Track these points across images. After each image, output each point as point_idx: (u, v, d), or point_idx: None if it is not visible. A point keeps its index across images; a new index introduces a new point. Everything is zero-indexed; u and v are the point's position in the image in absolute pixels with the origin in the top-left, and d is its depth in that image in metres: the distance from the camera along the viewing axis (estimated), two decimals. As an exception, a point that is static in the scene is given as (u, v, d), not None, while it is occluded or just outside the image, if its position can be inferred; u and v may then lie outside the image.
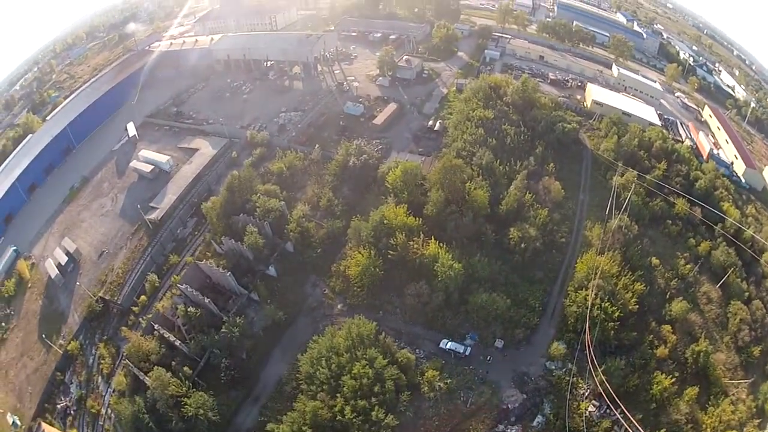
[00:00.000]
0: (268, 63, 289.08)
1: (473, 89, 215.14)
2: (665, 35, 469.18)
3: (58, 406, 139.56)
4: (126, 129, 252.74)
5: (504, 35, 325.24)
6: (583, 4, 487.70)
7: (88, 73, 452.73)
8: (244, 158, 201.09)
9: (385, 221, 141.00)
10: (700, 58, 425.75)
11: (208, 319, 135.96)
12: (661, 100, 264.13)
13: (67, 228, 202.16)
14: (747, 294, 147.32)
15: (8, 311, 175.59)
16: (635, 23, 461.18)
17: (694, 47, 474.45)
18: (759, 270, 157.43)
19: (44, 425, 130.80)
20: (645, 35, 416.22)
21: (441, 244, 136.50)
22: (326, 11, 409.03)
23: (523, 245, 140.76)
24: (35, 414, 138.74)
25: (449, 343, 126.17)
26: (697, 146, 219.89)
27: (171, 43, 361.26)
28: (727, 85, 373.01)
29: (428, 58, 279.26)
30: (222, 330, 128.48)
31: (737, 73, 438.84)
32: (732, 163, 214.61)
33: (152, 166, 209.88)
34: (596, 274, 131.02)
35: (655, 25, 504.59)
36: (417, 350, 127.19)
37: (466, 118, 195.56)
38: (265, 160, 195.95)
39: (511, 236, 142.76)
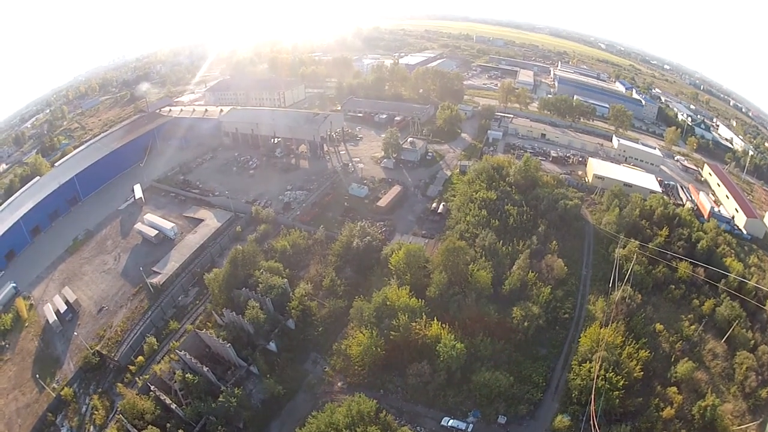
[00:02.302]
0: (276, 140, 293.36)
1: (476, 171, 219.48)
2: (663, 99, 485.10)
3: None
4: (133, 190, 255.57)
5: (506, 115, 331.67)
6: (583, 77, 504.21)
7: (99, 127, 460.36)
8: (248, 233, 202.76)
9: (387, 302, 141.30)
10: (698, 116, 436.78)
11: (205, 386, 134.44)
12: (661, 166, 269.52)
13: (68, 278, 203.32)
14: (752, 342, 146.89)
15: (3, 343, 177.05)
16: (634, 91, 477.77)
17: (692, 106, 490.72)
18: (764, 316, 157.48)
19: None
20: (644, 102, 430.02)
21: (443, 325, 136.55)
22: (333, 90, 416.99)
23: (526, 324, 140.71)
24: None
25: (451, 421, 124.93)
26: (698, 207, 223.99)
27: (181, 110, 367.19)
28: (725, 139, 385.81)
29: (432, 139, 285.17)
30: (220, 399, 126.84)
31: (734, 123, 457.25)
32: (733, 217, 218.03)
33: (157, 231, 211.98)
34: (600, 346, 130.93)
35: (653, 90, 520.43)
36: (418, 428, 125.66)
37: (469, 200, 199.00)
38: (269, 237, 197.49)
39: (514, 315, 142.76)
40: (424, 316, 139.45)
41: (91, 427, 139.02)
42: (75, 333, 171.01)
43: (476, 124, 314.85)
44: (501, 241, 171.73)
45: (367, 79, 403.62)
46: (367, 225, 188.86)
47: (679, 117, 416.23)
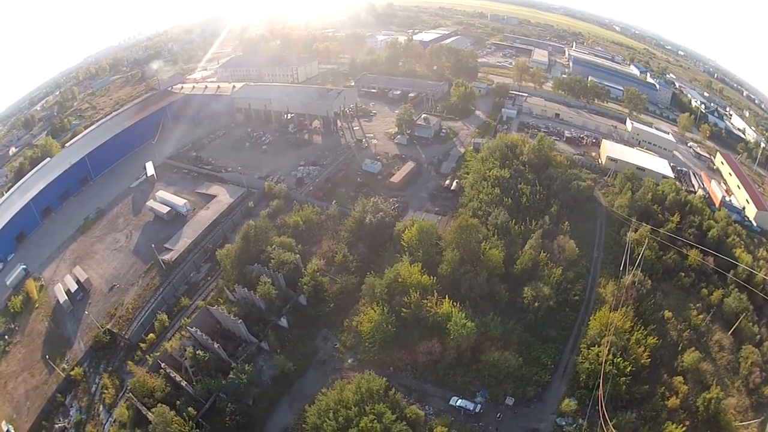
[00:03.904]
0: (289, 115, 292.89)
1: (490, 149, 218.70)
2: (677, 84, 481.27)
3: (56, 426, 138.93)
4: (145, 168, 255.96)
5: (520, 93, 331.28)
6: (598, 59, 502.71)
7: (110, 106, 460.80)
8: (260, 209, 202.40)
9: (399, 279, 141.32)
10: (712, 104, 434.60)
11: (216, 363, 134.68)
12: (674, 152, 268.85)
13: (79, 257, 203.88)
14: (758, 336, 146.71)
15: (13, 326, 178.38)
16: (648, 75, 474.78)
17: (706, 93, 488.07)
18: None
19: None
20: (658, 86, 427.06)
21: (454, 303, 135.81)
22: (347, 66, 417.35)
23: (536, 304, 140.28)
24: (31, 429, 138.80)
25: (459, 401, 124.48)
26: (709, 195, 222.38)
27: (193, 87, 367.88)
28: (738, 129, 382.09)
29: (446, 116, 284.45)
30: (230, 376, 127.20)
31: (747, 114, 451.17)
32: (744, 208, 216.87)
33: (169, 208, 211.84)
34: (609, 330, 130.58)
35: (667, 75, 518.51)
36: (426, 407, 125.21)
37: (482, 178, 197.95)
38: (281, 212, 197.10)
39: (524, 295, 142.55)
40: (436, 294, 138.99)
41: (101, 407, 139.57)
42: (86, 312, 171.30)
43: (490, 102, 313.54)
44: (513, 220, 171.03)
45: (381, 56, 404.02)
46: (380, 201, 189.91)
47: (693, 104, 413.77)
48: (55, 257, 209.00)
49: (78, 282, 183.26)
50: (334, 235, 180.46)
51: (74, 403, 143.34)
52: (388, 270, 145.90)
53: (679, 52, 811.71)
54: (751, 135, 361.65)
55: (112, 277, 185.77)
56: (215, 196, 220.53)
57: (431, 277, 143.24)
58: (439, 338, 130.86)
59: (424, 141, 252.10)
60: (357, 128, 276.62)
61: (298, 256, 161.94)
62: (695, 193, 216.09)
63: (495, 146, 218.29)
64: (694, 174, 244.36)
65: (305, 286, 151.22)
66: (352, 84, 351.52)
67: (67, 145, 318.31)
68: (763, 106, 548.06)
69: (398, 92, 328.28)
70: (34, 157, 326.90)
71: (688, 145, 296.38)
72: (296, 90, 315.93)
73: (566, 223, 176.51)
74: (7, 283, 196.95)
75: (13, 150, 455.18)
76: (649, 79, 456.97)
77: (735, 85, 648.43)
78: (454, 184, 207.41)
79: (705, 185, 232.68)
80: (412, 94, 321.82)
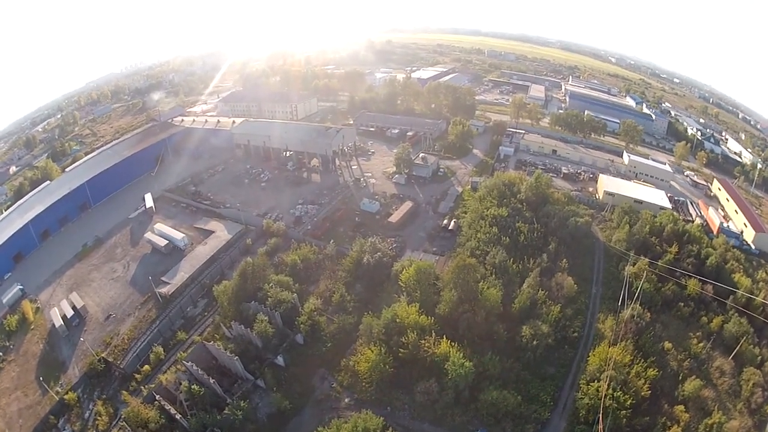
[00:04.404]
0: (288, 153, 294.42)
1: (488, 187, 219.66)
2: (673, 113, 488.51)
3: None
4: (143, 199, 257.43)
5: (518, 131, 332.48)
6: (594, 92, 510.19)
7: (111, 134, 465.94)
8: (258, 246, 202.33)
9: (397, 319, 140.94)
10: (708, 130, 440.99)
11: (211, 398, 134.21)
12: (672, 182, 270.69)
13: (76, 283, 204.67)
14: (759, 358, 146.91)
15: (7, 344, 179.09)
16: (644, 105, 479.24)
17: (701, 120, 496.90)
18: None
19: None
20: (654, 117, 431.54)
21: (452, 343, 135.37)
22: (346, 104, 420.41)
23: (535, 342, 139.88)
24: None
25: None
26: (707, 223, 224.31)
27: (194, 120, 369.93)
28: (734, 153, 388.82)
29: (444, 155, 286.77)
30: (225, 411, 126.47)
31: (743, 137, 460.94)
32: (742, 232, 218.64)
33: (167, 241, 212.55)
34: (609, 365, 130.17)
35: (663, 105, 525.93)
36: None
37: (480, 217, 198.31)
38: (279, 251, 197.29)
39: (523, 334, 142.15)
40: (434, 334, 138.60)
41: None
42: (81, 339, 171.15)
43: (488, 140, 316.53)
44: (511, 259, 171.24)
45: (380, 93, 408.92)
46: (378, 241, 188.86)
47: (689, 131, 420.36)
48: (52, 281, 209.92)
49: (74, 308, 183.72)
50: (331, 275, 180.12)
51: (67, 426, 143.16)
52: (386, 310, 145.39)
53: (675, 80, 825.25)
54: (747, 157, 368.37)
55: (109, 306, 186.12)
56: (213, 232, 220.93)
57: (429, 317, 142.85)
58: (436, 378, 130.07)
59: (422, 180, 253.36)
60: (355, 167, 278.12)
61: (295, 295, 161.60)
62: (693, 222, 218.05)
63: (492, 185, 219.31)
64: (691, 203, 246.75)
65: (302, 325, 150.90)
66: (351, 122, 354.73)
67: (67, 169, 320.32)
68: (758, 126, 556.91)
69: (396, 131, 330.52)
70: (34, 178, 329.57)
71: (685, 174, 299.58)
72: (295, 127, 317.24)
73: (564, 260, 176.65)
74: (3, 301, 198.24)
75: (13, 169, 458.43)
76: (645, 110, 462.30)
77: (730, 108, 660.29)
78: (452, 223, 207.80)
79: (703, 213, 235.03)
80: (410, 133, 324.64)
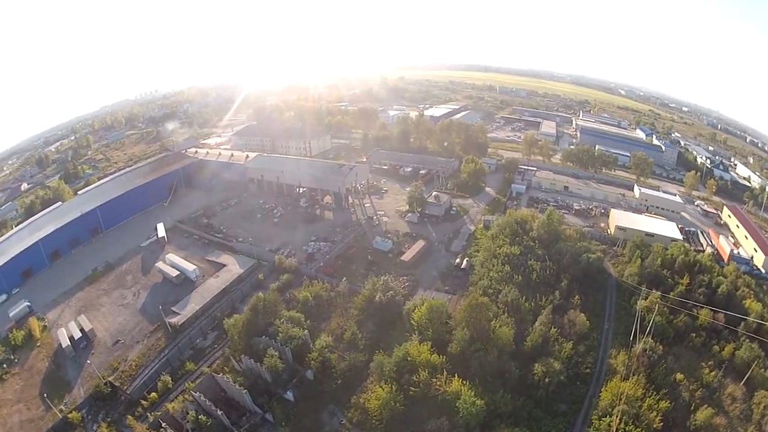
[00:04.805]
0: (301, 189, 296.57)
1: (500, 225, 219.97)
2: (683, 143, 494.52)
3: None
4: (156, 229, 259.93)
5: (529, 168, 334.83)
6: (604, 126, 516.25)
7: (124, 161, 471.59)
8: (270, 282, 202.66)
9: (408, 358, 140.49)
10: (716, 157, 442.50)
11: (218, 429, 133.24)
12: (682, 213, 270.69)
13: (85, 306, 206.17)
14: None
15: (12, 357, 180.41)
16: (654, 137, 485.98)
17: (710, 147, 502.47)
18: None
19: None
20: (664, 147, 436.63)
21: (464, 381, 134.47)
22: (359, 141, 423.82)
23: (547, 380, 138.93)
24: None
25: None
26: (718, 251, 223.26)
27: (207, 152, 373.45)
28: (743, 178, 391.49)
29: (457, 194, 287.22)
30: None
31: (751, 161, 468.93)
32: (752, 257, 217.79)
33: (178, 272, 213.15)
34: (621, 400, 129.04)
35: (672, 135, 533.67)
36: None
37: (492, 256, 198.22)
38: (291, 287, 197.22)
39: (535, 372, 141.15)
40: (445, 372, 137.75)
41: None
42: (88, 361, 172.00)
43: (500, 178, 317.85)
44: (524, 297, 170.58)
45: (393, 131, 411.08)
46: (390, 279, 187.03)
47: (698, 160, 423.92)
48: (61, 302, 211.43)
49: (82, 330, 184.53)
50: (343, 313, 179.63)
51: None
52: (398, 348, 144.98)
53: (684, 109, 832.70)
54: (756, 181, 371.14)
55: (117, 332, 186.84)
56: (225, 265, 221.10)
57: (441, 356, 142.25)
58: (447, 416, 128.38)
59: (434, 219, 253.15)
60: (368, 205, 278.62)
61: (306, 331, 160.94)
62: (704, 251, 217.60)
63: (505, 223, 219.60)
64: (701, 232, 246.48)
65: (313, 361, 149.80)
66: (364, 160, 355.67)
67: (80, 192, 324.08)
68: (766, 148, 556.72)
69: (409, 169, 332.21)
70: (45, 197, 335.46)
71: (695, 203, 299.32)
72: (309, 164, 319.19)
73: (577, 296, 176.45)
74: (10, 315, 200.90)
75: (25, 185, 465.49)
76: (655, 141, 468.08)
77: (738, 132, 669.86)
78: (464, 262, 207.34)
79: (713, 242, 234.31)
80: (423, 171, 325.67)
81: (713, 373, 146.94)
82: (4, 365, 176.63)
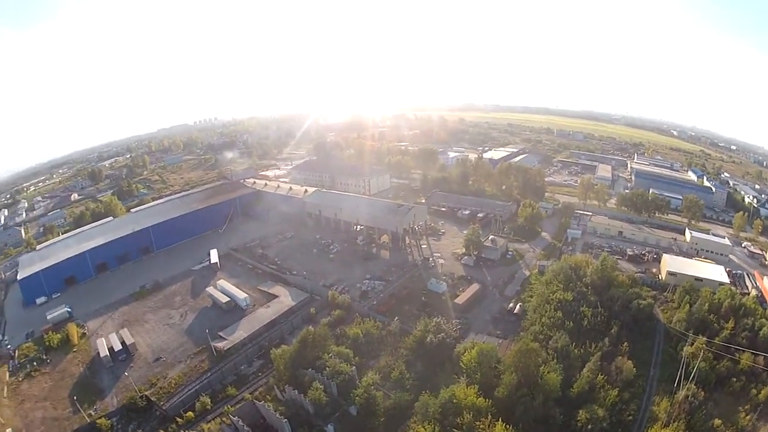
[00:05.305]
0: (358, 227, 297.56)
1: (554, 271, 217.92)
2: (731, 182, 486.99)
3: None
4: (209, 254, 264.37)
5: (585, 212, 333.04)
6: (657, 168, 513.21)
7: (180, 185, 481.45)
8: (322, 316, 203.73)
9: (454, 400, 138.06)
10: (763, 196, 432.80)
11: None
12: (730, 255, 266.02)
13: (128, 321, 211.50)
14: None
15: (44, 357, 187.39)
16: (705, 178, 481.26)
17: (757, 186, 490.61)
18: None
19: None
20: (714, 189, 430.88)
21: (507, 426, 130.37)
22: (418, 182, 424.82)
23: (590, 426, 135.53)
24: None
25: None
26: (762, 293, 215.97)
27: (266, 184, 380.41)
28: None
29: (513, 238, 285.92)
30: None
31: None
32: None
33: (228, 299, 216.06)
34: None
35: (722, 175, 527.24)
36: None
37: (545, 301, 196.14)
38: (342, 323, 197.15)
39: (579, 418, 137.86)
40: (489, 416, 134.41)
41: None
42: (126, 373, 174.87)
43: (556, 222, 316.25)
44: (574, 343, 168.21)
45: (452, 173, 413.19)
46: (442, 321, 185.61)
47: (746, 200, 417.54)
48: (104, 313, 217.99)
49: (123, 343, 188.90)
50: (393, 351, 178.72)
51: None
52: (444, 390, 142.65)
53: (732, 147, 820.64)
54: None
55: (160, 349, 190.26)
56: (277, 297, 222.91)
57: (487, 400, 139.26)
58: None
59: (490, 263, 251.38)
60: (425, 246, 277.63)
61: (354, 367, 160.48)
62: (749, 294, 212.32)
63: (559, 269, 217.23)
64: (748, 275, 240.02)
65: (357, 397, 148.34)
66: (423, 201, 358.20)
67: (133, 210, 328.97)
68: None
69: (467, 212, 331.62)
70: (96, 210, 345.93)
71: (743, 245, 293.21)
72: (367, 202, 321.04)
73: (625, 343, 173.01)
74: (48, 317, 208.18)
75: (75, 196, 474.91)
76: (706, 183, 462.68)
77: None
78: (518, 307, 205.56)
79: (758, 284, 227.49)
80: (480, 215, 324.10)
81: (748, 417, 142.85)
82: (35, 363, 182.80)
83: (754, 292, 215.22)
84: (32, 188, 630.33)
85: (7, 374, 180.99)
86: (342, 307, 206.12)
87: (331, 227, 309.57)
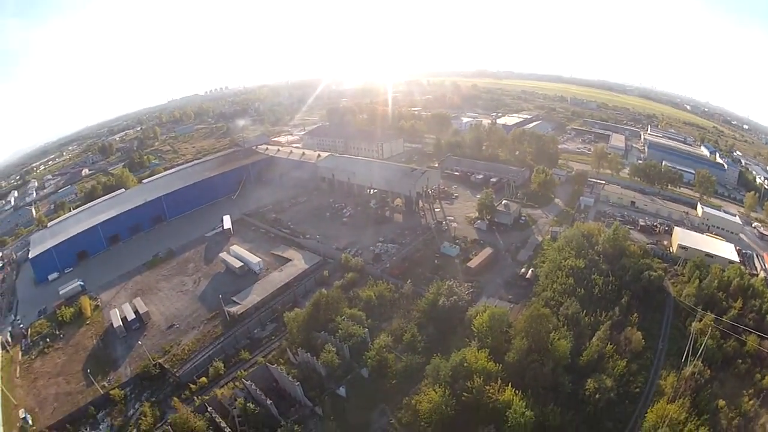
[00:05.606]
0: (371, 191, 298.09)
1: (567, 238, 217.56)
2: (743, 162, 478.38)
3: None
4: (222, 220, 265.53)
5: (598, 181, 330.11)
6: (671, 141, 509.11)
7: (192, 154, 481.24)
8: (334, 279, 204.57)
9: (465, 364, 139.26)
10: None
11: (265, 419, 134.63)
12: (740, 234, 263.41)
13: (141, 290, 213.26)
14: None
15: (57, 332, 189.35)
16: (717, 154, 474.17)
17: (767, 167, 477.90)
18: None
19: None
20: (726, 166, 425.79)
21: (516, 391, 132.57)
22: (431, 146, 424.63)
23: (597, 396, 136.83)
24: (52, 426, 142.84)
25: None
26: None
27: (278, 150, 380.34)
28: None
29: (526, 203, 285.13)
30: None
31: None
32: None
33: (242, 263, 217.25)
34: (664, 422, 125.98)
35: (734, 153, 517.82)
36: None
37: (557, 267, 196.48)
38: (355, 286, 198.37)
39: (587, 387, 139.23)
40: (499, 381, 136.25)
41: (135, 430, 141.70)
42: (139, 342, 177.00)
43: (569, 190, 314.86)
44: (584, 311, 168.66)
45: (465, 138, 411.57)
46: (455, 284, 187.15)
47: (758, 180, 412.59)
48: (116, 284, 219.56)
49: (137, 313, 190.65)
50: (405, 314, 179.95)
51: (106, 420, 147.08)
52: (455, 353, 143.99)
53: (744, 127, 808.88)
54: None
55: (173, 317, 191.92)
56: (290, 260, 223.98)
57: (497, 364, 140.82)
58: (496, 425, 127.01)
59: (503, 227, 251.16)
60: (438, 210, 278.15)
61: (366, 330, 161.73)
62: (757, 275, 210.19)
63: (572, 235, 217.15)
64: (757, 256, 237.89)
65: (370, 360, 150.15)
66: (436, 165, 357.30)
67: (144, 181, 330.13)
68: None
69: (480, 176, 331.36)
70: (108, 183, 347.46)
71: (753, 225, 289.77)
72: (381, 166, 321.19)
73: (635, 314, 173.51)
74: (60, 293, 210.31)
75: (86, 171, 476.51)
76: (719, 159, 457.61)
77: None
78: (530, 272, 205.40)
79: (767, 266, 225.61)
80: (494, 179, 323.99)
81: (751, 402, 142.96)
82: (48, 339, 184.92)
83: (762, 274, 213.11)
84: (42, 167, 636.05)
85: (20, 353, 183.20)
86: (355, 270, 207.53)
87: (344, 191, 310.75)
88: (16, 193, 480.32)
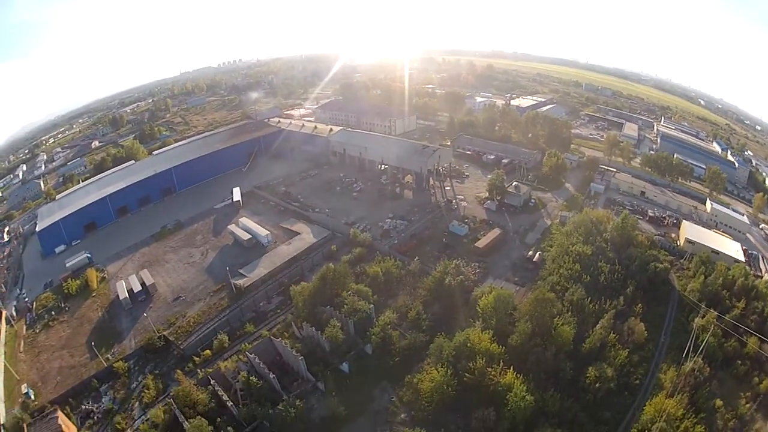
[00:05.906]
0: (383, 166, 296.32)
1: (575, 223, 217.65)
2: (754, 162, 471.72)
3: (83, 407, 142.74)
4: (232, 193, 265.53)
5: (609, 168, 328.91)
6: (684, 135, 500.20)
7: (203, 126, 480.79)
8: (342, 254, 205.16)
9: (468, 344, 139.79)
10: None
11: (267, 393, 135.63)
12: (748, 234, 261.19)
13: (149, 262, 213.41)
14: None
15: (63, 305, 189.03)
16: (729, 152, 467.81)
17: None
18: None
19: (60, 413, 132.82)
20: (737, 164, 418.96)
21: (518, 375, 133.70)
22: (444, 125, 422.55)
23: (597, 385, 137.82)
24: (54, 400, 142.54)
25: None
26: None
27: (290, 123, 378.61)
28: None
29: (537, 186, 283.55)
30: (278, 407, 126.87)
31: None
32: None
33: (250, 236, 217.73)
34: (661, 417, 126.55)
35: (746, 152, 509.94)
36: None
37: (565, 252, 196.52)
38: (362, 261, 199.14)
39: (587, 375, 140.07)
40: (501, 363, 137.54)
41: (137, 404, 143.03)
42: (144, 314, 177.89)
43: (580, 175, 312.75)
44: (589, 298, 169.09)
45: (479, 118, 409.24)
46: (462, 264, 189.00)
47: (767, 183, 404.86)
48: (124, 256, 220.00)
49: (143, 284, 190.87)
50: (411, 292, 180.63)
51: (109, 393, 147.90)
52: (459, 333, 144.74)
53: (757, 127, 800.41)
54: None
55: (179, 289, 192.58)
56: (299, 234, 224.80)
57: (500, 346, 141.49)
58: (495, 407, 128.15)
59: (512, 209, 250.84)
60: (448, 188, 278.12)
61: (372, 306, 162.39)
62: (762, 277, 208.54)
63: (580, 221, 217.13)
64: (762, 257, 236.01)
65: (374, 336, 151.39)
66: (449, 143, 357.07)
67: (154, 153, 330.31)
68: None
69: (492, 157, 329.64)
70: (117, 155, 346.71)
71: (761, 226, 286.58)
72: (393, 142, 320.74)
73: (639, 305, 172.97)
74: (67, 265, 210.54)
75: (96, 143, 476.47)
76: (730, 157, 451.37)
77: None
78: (537, 255, 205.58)
79: None
80: (505, 161, 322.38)
81: (748, 405, 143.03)
82: (53, 312, 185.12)
83: (767, 277, 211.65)
84: (51, 140, 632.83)
85: (24, 327, 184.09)
86: (363, 245, 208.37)
87: (355, 166, 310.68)
88: (24, 167, 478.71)
